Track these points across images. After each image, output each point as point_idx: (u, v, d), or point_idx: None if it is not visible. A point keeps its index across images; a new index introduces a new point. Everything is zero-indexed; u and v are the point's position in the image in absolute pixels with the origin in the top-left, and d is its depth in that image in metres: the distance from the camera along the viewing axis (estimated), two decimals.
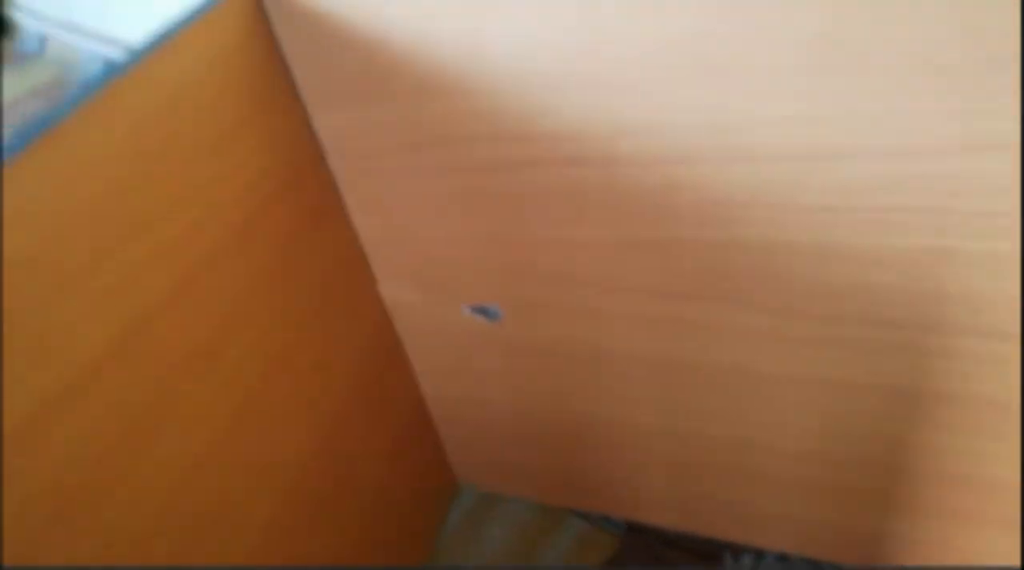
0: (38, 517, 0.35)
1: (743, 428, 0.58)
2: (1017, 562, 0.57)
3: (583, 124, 0.44)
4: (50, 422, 0.35)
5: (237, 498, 0.47)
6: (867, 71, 0.37)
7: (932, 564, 0.60)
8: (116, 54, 1.50)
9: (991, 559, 0.58)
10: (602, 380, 0.60)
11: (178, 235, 0.41)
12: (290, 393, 0.52)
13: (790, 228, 0.45)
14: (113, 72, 0.37)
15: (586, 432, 0.65)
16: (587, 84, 0.42)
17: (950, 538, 0.58)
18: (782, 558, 0.68)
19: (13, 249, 0.33)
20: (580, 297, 0.54)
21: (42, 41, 1.35)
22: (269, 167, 0.47)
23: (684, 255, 0.49)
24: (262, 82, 0.45)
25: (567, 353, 0.59)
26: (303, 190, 0.50)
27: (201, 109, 0.42)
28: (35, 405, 0.34)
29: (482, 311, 0.59)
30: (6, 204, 0.32)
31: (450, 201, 0.51)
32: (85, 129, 0.36)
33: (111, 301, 0.38)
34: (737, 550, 0.69)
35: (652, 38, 0.39)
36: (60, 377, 0.35)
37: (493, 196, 0.50)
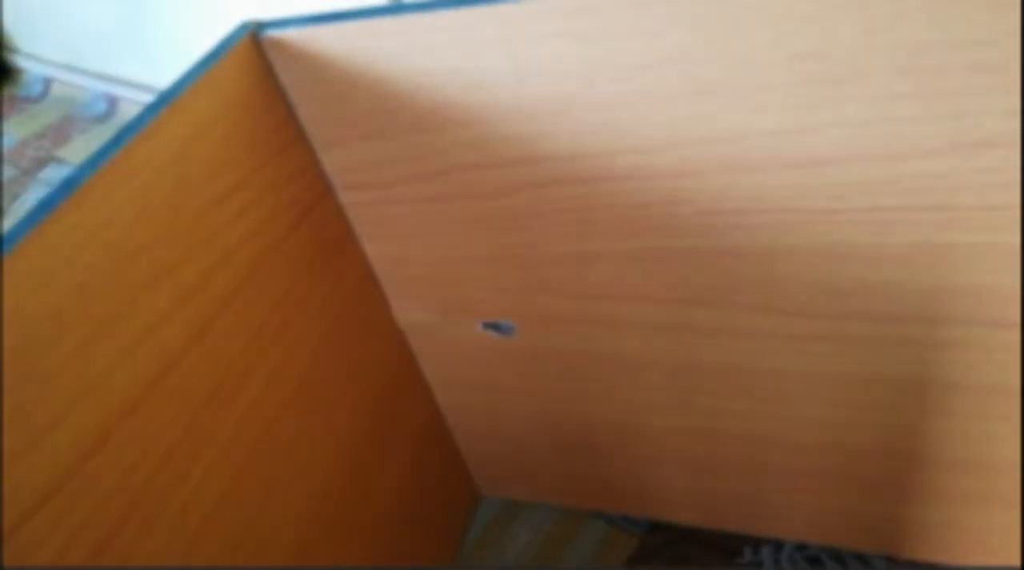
0: (84, 550, 0.36)
1: (758, 424, 0.59)
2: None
3: (584, 145, 0.45)
4: (92, 463, 0.37)
5: (265, 523, 0.49)
6: (854, 81, 0.39)
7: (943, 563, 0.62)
8: (119, 92, 1.52)
9: (1001, 537, 0.59)
10: (618, 385, 0.61)
11: (196, 280, 0.43)
12: (309, 419, 0.53)
13: (792, 232, 0.46)
14: (126, 133, 0.38)
15: (604, 436, 0.67)
16: (585, 107, 0.43)
17: (961, 519, 0.59)
18: (800, 548, 0.70)
19: (43, 305, 0.34)
20: (591, 308, 0.56)
21: (46, 84, 1.37)
22: (279, 206, 0.48)
23: (690, 263, 0.50)
24: (269, 127, 0.47)
25: (581, 361, 0.61)
26: (314, 224, 0.52)
27: (211, 159, 0.43)
28: (75, 449, 0.36)
29: (494, 327, 0.60)
30: (34, 266, 0.34)
31: (459, 225, 0.53)
32: (103, 188, 0.37)
33: (139, 348, 0.39)
34: (756, 542, 0.71)
35: (644, 59, 0.40)
36: (97, 421, 0.37)
37: (501, 218, 0.51)
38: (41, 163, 1.40)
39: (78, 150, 1.42)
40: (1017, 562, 0.59)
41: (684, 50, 0.39)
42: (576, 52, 0.41)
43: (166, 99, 0.40)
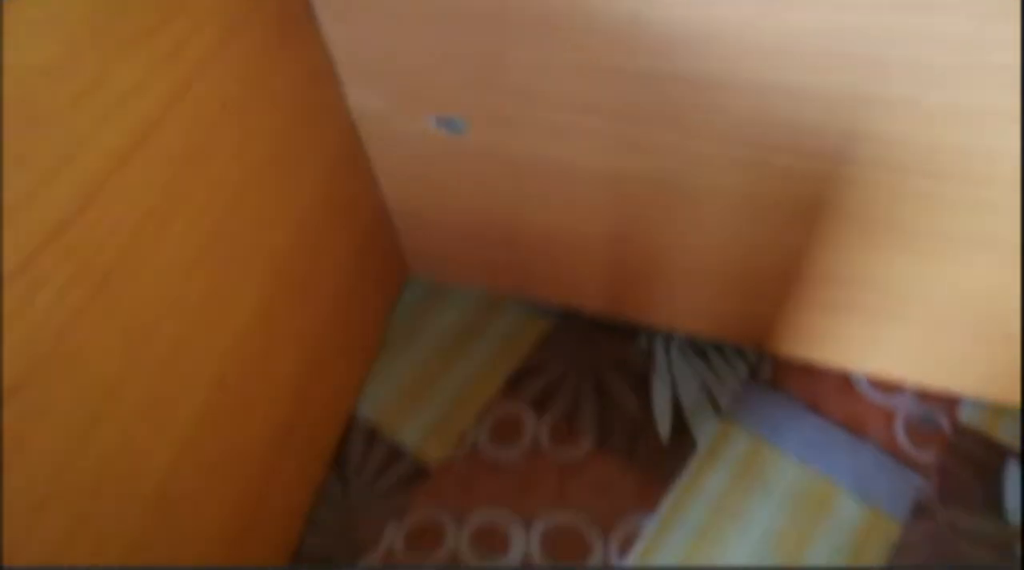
0: (84, 290, 0.40)
1: (673, 232, 0.66)
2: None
3: None
4: (87, 214, 0.39)
5: (232, 281, 0.53)
6: None
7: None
8: None
9: (848, 342, 0.71)
10: (554, 190, 0.66)
11: (169, 49, 0.43)
12: (274, 189, 0.56)
13: (739, 66, 0.50)
14: None
15: (533, 234, 0.73)
16: None
17: (819, 323, 0.71)
18: (690, 340, 0.81)
19: (37, 58, 0.35)
20: (541, 114, 0.59)
21: None
22: None
23: (642, 84, 0.54)
24: None
25: (524, 165, 0.65)
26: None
27: None
28: (72, 199, 0.38)
29: (446, 123, 0.63)
30: (26, 16, 0.34)
31: (424, 16, 0.53)
32: None
33: (124, 106, 0.41)
34: (651, 332, 0.81)
35: None
36: (89, 176, 0.39)
37: (467, 16, 0.52)
38: None
39: None
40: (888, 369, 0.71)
41: None
42: None
43: None
